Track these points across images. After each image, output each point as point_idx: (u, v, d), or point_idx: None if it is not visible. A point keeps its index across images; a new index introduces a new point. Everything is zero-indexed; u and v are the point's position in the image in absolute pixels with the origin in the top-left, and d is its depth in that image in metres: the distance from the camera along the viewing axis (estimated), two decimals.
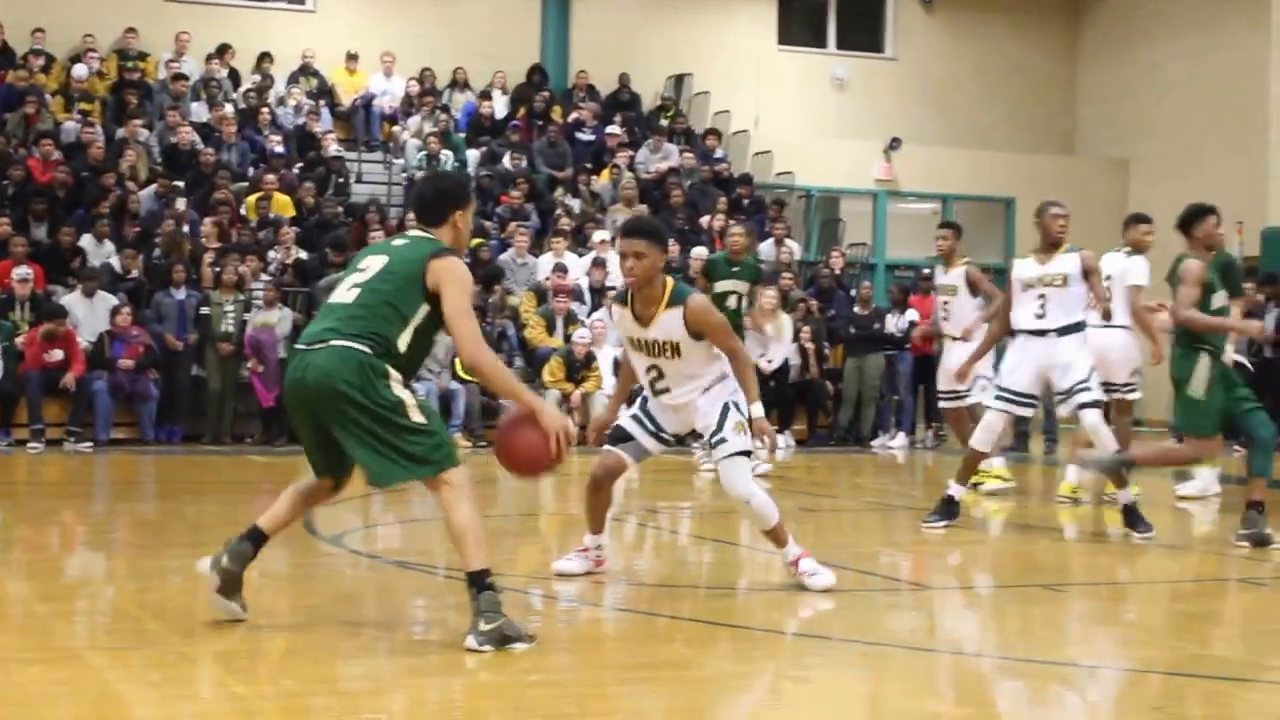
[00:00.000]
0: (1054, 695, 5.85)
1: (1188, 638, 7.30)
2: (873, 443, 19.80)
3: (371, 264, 6.46)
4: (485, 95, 24.80)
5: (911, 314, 20.63)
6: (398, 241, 6.62)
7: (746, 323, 15.21)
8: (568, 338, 19.26)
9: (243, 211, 20.54)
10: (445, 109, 24.25)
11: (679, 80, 26.81)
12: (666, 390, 7.71)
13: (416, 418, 6.26)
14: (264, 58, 23.87)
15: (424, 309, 6.32)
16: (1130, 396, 12.71)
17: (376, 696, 5.59)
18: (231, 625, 6.96)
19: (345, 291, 6.43)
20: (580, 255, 21.12)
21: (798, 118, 27.51)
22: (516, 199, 22.26)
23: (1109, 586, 8.97)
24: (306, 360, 6.29)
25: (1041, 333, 10.73)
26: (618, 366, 17.29)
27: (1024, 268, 11.06)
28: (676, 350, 7.54)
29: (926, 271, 22.16)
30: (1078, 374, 10.59)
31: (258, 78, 23.56)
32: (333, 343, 6.25)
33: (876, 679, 6.22)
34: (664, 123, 25.40)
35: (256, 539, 6.74)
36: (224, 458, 16.43)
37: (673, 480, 14.73)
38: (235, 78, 23.70)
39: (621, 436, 7.93)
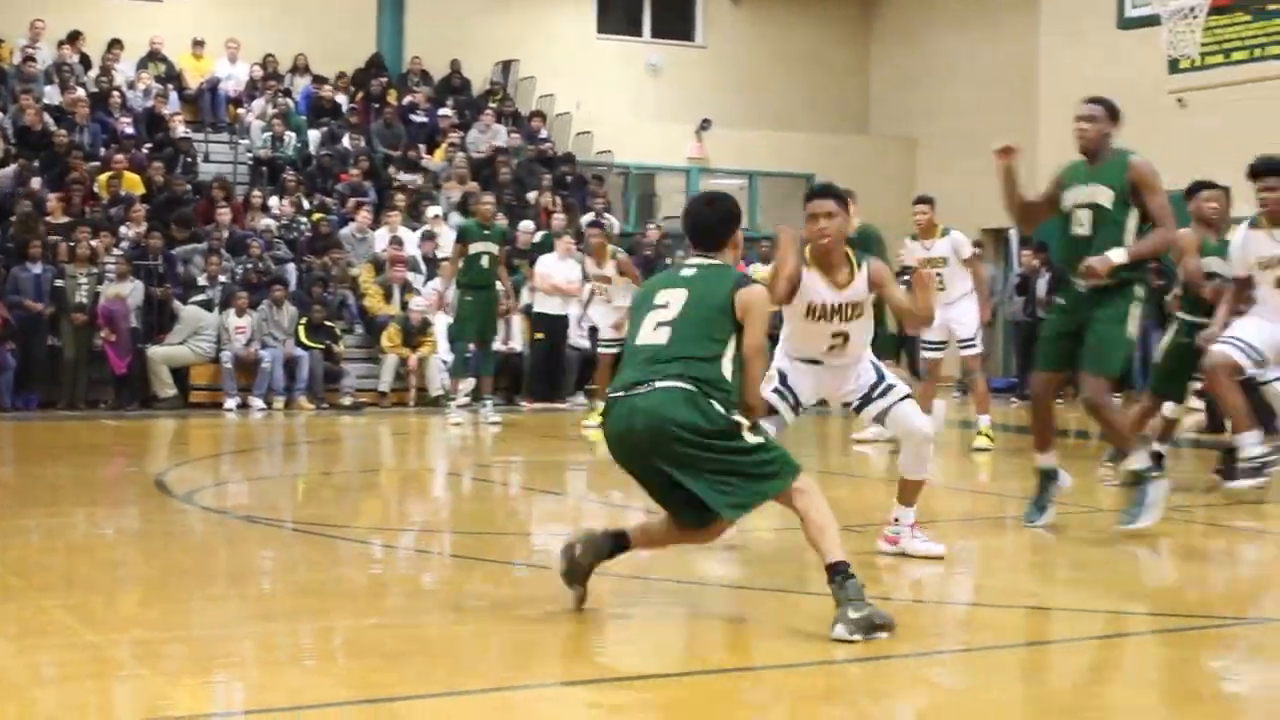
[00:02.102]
0: None
1: (971, 570, 7.45)
2: None
3: (671, 298, 5.85)
4: (323, 80, 24.45)
5: None
6: (686, 272, 5.98)
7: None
8: (404, 305, 19.14)
9: (95, 189, 20.09)
10: (287, 92, 23.90)
11: (506, 66, 26.67)
12: (840, 351, 7.17)
13: (751, 438, 5.68)
14: (114, 44, 23.33)
15: (733, 337, 5.78)
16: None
17: (227, 642, 5.52)
18: (86, 580, 6.83)
19: (652, 331, 5.81)
20: (414, 229, 20.98)
21: (616, 101, 27.49)
22: (355, 176, 22.03)
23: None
24: (631, 405, 5.68)
25: None
26: (453, 336, 17.25)
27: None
28: (863, 310, 7.14)
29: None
30: None
31: (131, 65, 23.01)
32: (656, 384, 5.65)
33: (693, 615, 6.27)
34: (492, 105, 25.27)
35: (619, 540, 5.99)
36: (78, 422, 16.08)
37: (504, 436, 14.72)
38: (86, 62, 23.14)
39: (768, 410, 7.21)
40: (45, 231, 18.24)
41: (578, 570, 5.91)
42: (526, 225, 20.45)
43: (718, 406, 5.65)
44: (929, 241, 12.82)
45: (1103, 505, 9.44)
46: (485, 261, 15.40)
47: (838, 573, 5.55)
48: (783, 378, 7.29)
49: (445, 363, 18.01)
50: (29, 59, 22.21)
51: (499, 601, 6.34)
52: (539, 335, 18.71)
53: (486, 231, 15.63)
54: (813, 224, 7.05)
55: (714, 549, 7.97)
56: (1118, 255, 7.69)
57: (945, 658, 5.57)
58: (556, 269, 18.54)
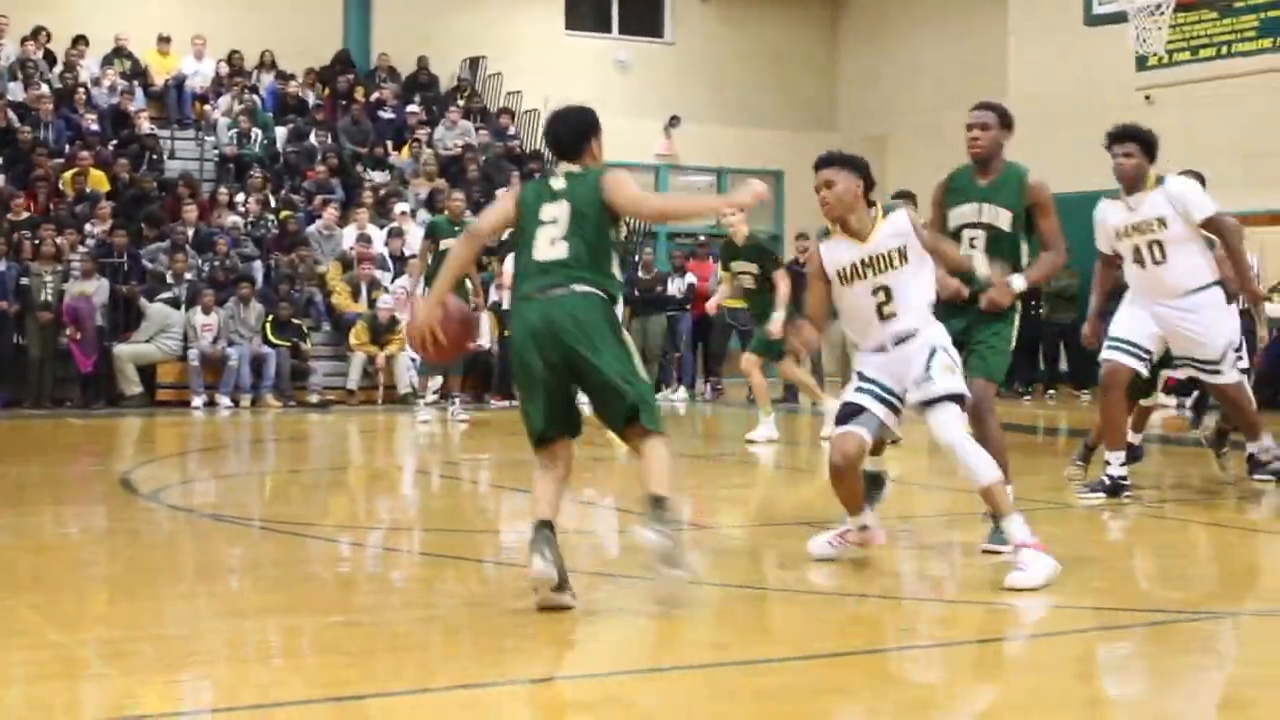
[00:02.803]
0: (820, 619, 5.96)
1: (936, 564, 7.47)
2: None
3: (556, 213, 6.11)
4: (288, 77, 24.39)
5: (690, 277, 20.80)
6: (558, 185, 6.20)
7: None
8: (372, 303, 19.12)
9: (60, 186, 20.00)
10: (254, 89, 23.82)
11: (474, 62, 26.65)
12: (894, 315, 6.73)
13: (639, 369, 6.09)
14: (79, 40, 23.22)
15: (616, 234, 6.24)
16: None
17: (194, 640, 5.50)
18: (52, 579, 6.81)
19: (550, 246, 6.07)
20: (381, 227, 20.95)
21: (584, 97, 26.93)
22: (322, 173, 21.98)
23: None
24: (548, 305, 5.96)
25: None
26: None
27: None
28: (904, 256, 6.70)
29: (703, 239, 22.39)
30: None
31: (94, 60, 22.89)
32: (573, 286, 5.98)
33: (661, 612, 6.27)
34: (460, 102, 25.25)
35: (552, 528, 5.97)
36: (45, 421, 16.01)
37: (472, 434, 14.71)
38: (51, 59, 23.03)
39: (851, 412, 6.80)
40: (10, 229, 18.17)
41: (563, 572, 5.89)
42: None
43: (615, 333, 6.01)
44: None
45: (1072, 503, 9.49)
46: None
47: (656, 504, 5.85)
48: (861, 375, 6.90)
49: (413, 360, 18.00)
50: None
51: (467, 599, 6.35)
52: (508, 332, 18.69)
53: (456, 228, 15.67)
54: (817, 195, 6.94)
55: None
56: (1018, 284, 7.48)
57: (915, 654, 5.59)
58: None
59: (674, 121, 27.55)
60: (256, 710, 4.53)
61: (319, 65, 25.05)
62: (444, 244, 15.42)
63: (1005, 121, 7.75)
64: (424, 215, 20.78)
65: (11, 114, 20.92)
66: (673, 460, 6.06)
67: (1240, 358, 9.42)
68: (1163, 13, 19.30)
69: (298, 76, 24.46)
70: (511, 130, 25.19)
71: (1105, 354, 9.24)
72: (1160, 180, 9.01)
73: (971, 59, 26.65)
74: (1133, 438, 10.61)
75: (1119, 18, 20.39)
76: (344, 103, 24.18)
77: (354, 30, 25.94)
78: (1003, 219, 7.61)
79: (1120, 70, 22.06)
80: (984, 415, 7.53)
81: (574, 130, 6.30)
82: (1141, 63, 21.79)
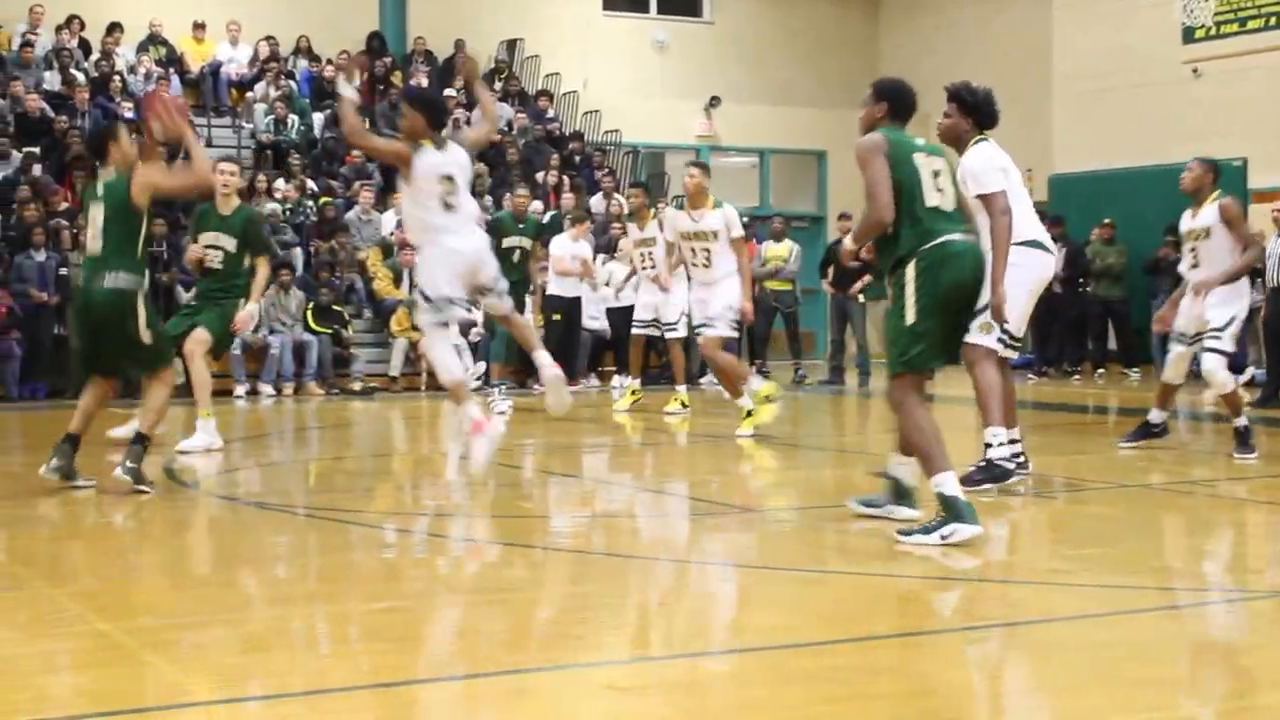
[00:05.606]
0: (869, 603, 5.93)
1: (987, 545, 7.43)
2: (700, 380, 19.88)
3: (96, 215, 8.51)
4: (327, 60, 24.44)
5: None
6: (100, 190, 8.58)
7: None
8: (414, 288, 19.13)
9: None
10: (290, 75, 23.87)
11: (511, 45, 26.65)
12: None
13: (146, 335, 8.63)
14: (113, 27, 23.31)
15: (143, 221, 8.56)
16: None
17: (239, 626, 5.51)
18: (96, 569, 6.85)
19: (91, 242, 8.52)
20: None
21: (623, 79, 27.47)
22: (359, 158, 22.00)
23: None
24: (89, 295, 8.52)
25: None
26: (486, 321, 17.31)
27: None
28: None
29: (746, 220, 22.34)
30: None
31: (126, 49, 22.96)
32: (105, 282, 8.45)
33: (705, 595, 6.26)
34: (498, 85, 25.24)
35: (72, 439, 8.82)
36: None
37: (517, 419, 14.71)
38: (86, 48, 23.12)
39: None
40: (48, 218, 18.25)
41: (68, 469, 8.77)
42: (536, 206, 20.43)
43: (141, 313, 8.51)
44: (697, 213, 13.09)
45: (1127, 481, 9.42)
46: (516, 256, 15.13)
47: (138, 440, 8.74)
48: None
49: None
50: (27, 45, 22.20)
51: (514, 585, 6.34)
52: (556, 316, 18.64)
53: (520, 225, 15.45)
54: None
55: (726, 529, 7.95)
56: (846, 244, 7.61)
57: (968, 634, 5.56)
58: (568, 250, 18.49)
59: (714, 102, 27.50)
60: (305, 697, 4.53)
61: (355, 51, 25.05)
62: (506, 242, 15.02)
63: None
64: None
65: (44, 103, 21.00)
66: (164, 396, 8.82)
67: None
68: None
69: (333, 61, 24.47)
70: (550, 113, 25.17)
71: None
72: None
73: (1014, 35, 26.51)
74: (1155, 415, 10.67)
75: None
76: (381, 87, 24.19)
77: (389, 14, 25.95)
78: None
79: (1167, 43, 21.90)
80: (896, 405, 7.28)
81: (92, 140, 8.63)
82: (1188, 35, 21.64)
